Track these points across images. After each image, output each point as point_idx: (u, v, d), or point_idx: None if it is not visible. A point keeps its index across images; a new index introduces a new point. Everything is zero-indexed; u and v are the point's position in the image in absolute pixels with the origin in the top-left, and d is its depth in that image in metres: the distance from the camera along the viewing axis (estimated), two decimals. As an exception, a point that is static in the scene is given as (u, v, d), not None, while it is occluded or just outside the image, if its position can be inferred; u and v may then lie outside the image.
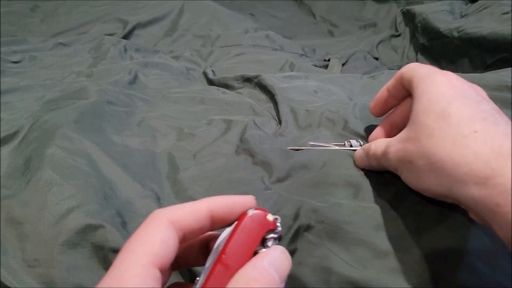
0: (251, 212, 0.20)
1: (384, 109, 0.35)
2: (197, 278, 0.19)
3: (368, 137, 0.36)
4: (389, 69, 0.78)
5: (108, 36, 0.74)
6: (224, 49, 0.76)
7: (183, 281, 0.27)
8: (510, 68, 0.42)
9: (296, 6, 1.20)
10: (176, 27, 0.85)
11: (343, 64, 0.78)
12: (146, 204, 0.32)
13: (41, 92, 0.47)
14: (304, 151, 0.36)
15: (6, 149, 0.36)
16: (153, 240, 0.18)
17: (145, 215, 0.22)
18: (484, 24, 0.64)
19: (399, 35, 0.88)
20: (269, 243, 0.20)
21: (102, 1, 0.93)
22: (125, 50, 0.69)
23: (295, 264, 0.26)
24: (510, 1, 0.67)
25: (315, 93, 0.47)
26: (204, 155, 0.38)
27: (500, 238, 0.20)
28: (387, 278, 0.24)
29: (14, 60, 0.61)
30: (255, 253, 0.19)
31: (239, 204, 0.21)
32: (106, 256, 0.26)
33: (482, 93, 0.26)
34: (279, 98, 0.45)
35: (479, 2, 0.77)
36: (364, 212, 0.28)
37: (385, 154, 0.27)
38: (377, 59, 0.84)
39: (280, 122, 0.42)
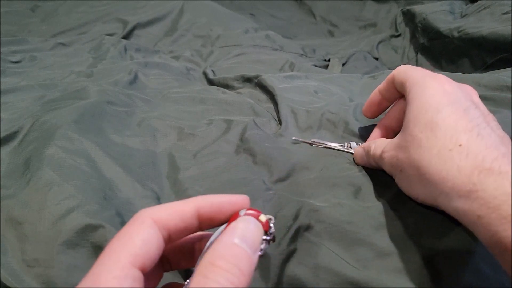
0: (242, 213, 0.20)
1: (377, 111, 0.35)
2: (187, 281, 0.19)
3: (367, 139, 0.36)
4: (389, 69, 0.78)
5: (108, 36, 0.74)
6: (224, 49, 0.76)
7: (183, 281, 0.26)
8: (510, 68, 0.42)
9: (296, 6, 1.20)
10: (176, 27, 0.85)
11: (343, 64, 0.78)
12: (146, 204, 0.32)
13: (41, 92, 0.47)
14: (305, 151, 0.36)
15: (6, 149, 0.35)
16: (134, 240, 0.17)
17: (145, 215, 0.22)
18: (484, 24, 0.64)
19: (399, 35, 0.88)
20: (262, 245, 0.19)
21: (102, 1, 0.93)
22: (125, 50, 0.69)
23: (295, 264, 0.26)
24: (510, 1, 0.67)
25: (315, 93, 0.47)
26: (204, 155, 0.38)
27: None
28: (388, 278, 0.24)
29: (14, 60, 0.61)
30: None
31: (228, 203, 0.20)
32: (106, 256, 0.26)
33: (474, 95, 0.26)
34: (279, 99, 0.45)
35: (479, 2, 0.77)
36: (365, 212, 0.28)
37: (381, 158, 0.28)
38: (377, 59, 0.84)
39: (280, 122, 0.42)
